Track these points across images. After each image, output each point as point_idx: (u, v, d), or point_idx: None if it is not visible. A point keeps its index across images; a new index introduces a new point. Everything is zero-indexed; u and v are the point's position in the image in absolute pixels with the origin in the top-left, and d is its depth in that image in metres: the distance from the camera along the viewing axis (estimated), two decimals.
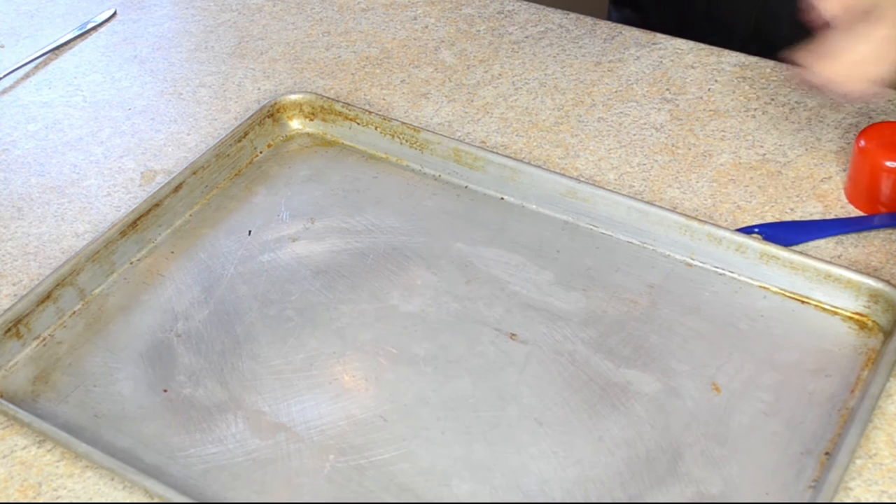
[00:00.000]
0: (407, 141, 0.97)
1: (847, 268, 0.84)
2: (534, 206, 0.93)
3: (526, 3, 1.17)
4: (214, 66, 1.11)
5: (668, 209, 0.89)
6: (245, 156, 0.97)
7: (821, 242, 0.89)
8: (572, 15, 1.15)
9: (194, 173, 0.93)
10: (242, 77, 1.09)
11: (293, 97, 1.00)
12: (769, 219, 0.90)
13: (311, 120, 1.01)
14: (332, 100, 1.00)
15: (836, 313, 0.84)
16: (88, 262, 0.86)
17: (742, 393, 0.78)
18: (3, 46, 1.16)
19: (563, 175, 0.93)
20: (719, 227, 0.87)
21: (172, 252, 0.90)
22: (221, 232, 0.92)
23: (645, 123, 1.01)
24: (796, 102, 1.01)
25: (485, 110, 1.03)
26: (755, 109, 1.01)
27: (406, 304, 0.85)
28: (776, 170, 0.94)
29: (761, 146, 0.97)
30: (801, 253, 0.85)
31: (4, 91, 1.10)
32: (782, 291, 0.85)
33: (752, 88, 1.03)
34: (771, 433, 0.76)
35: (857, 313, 0.83)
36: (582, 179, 0.93)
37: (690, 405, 0.78)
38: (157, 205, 0.90)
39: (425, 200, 0.94)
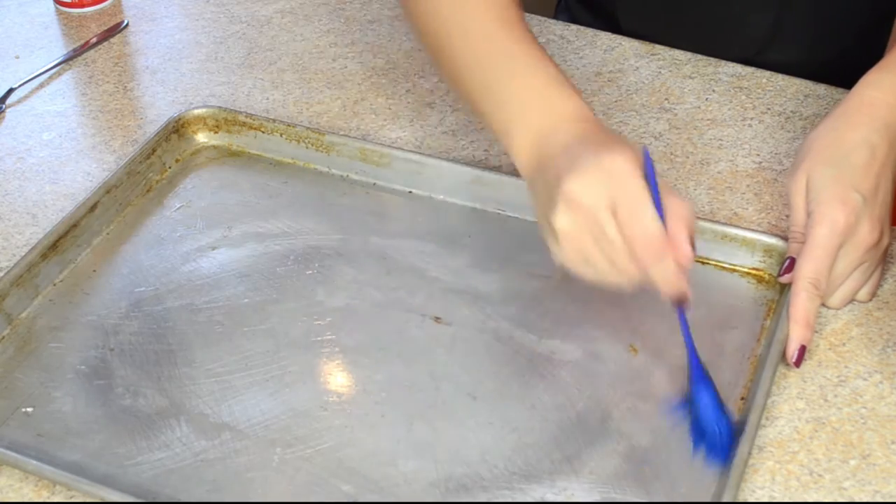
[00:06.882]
0: (313, 145, 1.00)
1: (742, 227, 0.90)
2: (441, 197, 0.97)
3: (528, 14, 1.19)
4: (224, 77, 1.13)
5: None
6: (155, 172, 0.99)
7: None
8: (573, 27, 1.18)
9: (108, 192, 0.94)
10: (251, 87, 1.11)
11: (197, 111, 1.02)
12: (765, 225, 0.93)
13: (216, 132, 1.03)
14: (236, 111, 1.02)
15: (734, 270, 0.90)
16: (12, 287, 0.87)
17: (657, 351, 0.84)
18: (17, 57, 1.17)
19: (467, 164, 0.97)
20: None
21: (94, 270, 0.91)
22: (140, 247, 0.93)
23: (644, 132, 1.04)
24: (791, 112, 1.05)
25: None
26: (752, 119, 1.05)
27: (332, 300, 0.88)
28: (772, 177, 0.98)
29: (758, 154, 1.01)
30: (698, 217, 0.90)
31: (20, 101, 1.12)
32: None
33: (748, 98, 1.07)
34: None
35: (754, 269, 0.89)
36: (485, 167, 0.97)
37: (612, 367, 0.83)
38: (74, 225, 0.92)
39: (337, 200, 0.98)
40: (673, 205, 0.74)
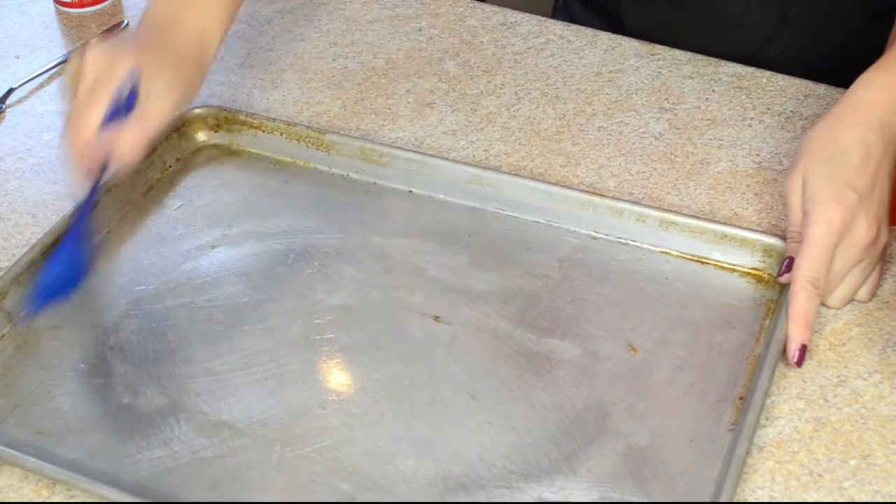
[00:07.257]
0: (313, 144, 1.00)
1: (741, 227, 0.90)
2: (441, 196, 0.97)
3: (528, 14, 1.21)
4: (224, 77, 1.13)
5: (569, 187, 0.94)
6: (155, 170, 0.99)
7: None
8: (573, 26, 1.18)
9: (108, 191, 0.94)
10: (251, 87, 1.11)
11: (197, 110, 1.02)
12: (765, 225, 0.93)
13: (216, 131, 1.03)
14: (236, 110, 1.02)
15: (734, 270, 0.90)
16: (13, 286, 0.87)
17: (657, 351, 0.84)
18: (17, 57, 1.17)
19: (467, 164, 0.97)
20: (619, 199, 0.92)
21: (94, 269, 0.91)
22: (141, 245, 0.94)
23: (644, 132, 1.04)
24: (791, 112, 1.05)
25: (488, 119, 1.06)
26: (752, 119, 1.05)
27: (331, 298, 0.88)
28: (772, 177, 0.98)
29: (758, 154, 1.01)
30: (697, 217, 0.91)
31: (20, 101, 1.12)
32: (683, 255, 0.91)
33: (748, 98, 1.07)
34: (688, 385, 0.81)
35: (753, 268, 0.89)
36: (485, 166, 0.98)
37: (611, 366, 0.83)
38: None
39: (336, 199, 0.98)
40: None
